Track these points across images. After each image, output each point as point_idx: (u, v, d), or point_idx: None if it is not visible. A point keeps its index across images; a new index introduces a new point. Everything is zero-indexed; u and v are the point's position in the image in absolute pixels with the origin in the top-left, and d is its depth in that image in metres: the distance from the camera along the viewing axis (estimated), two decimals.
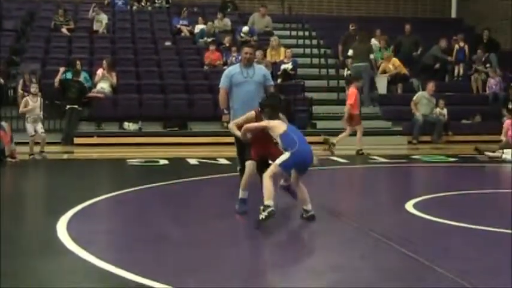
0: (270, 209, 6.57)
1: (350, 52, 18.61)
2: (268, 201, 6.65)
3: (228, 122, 10.03)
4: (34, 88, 14.11)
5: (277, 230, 6.91)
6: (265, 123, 7.27)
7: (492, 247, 6.13)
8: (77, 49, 19.65)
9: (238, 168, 10.04)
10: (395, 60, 19.42)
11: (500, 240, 6.37)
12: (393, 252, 5.83)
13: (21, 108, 14.01)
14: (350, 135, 16.78)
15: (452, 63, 20.21)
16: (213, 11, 22.03)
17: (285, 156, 6.82)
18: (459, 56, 20.28)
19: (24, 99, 14.19)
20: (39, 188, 10.81)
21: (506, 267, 5.32)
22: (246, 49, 9.73)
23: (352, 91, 14.97)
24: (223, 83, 9.73)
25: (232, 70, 9.85)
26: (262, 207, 6.64)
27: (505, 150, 13.70)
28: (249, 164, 7.70)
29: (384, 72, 19.39)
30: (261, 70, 9.95)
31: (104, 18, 20.65)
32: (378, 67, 19.49)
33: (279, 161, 6.84)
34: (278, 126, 7.07)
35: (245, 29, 20.51)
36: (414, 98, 17.36)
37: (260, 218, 6.58)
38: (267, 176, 6.79)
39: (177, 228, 6.94)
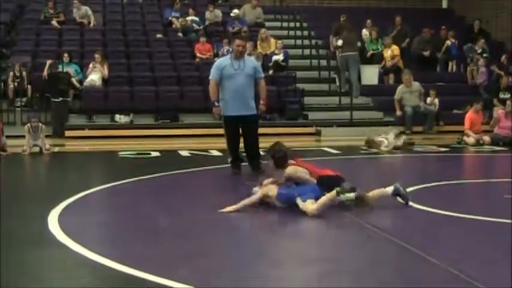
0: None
1: (340, 42, 18.60)
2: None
3: (219, 114, 9.99)
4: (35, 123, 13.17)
5: (269, 220, 6.91)
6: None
7: (485, 236, 6.15)
8: (67, 42, 19.57)
9: (229, 160, 10.03)
10: (396, 48, 19.38)
11: (492, 230, 6.39)
12: (385, 242, 5.83)
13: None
14: (338, 125, 16.78)
15: (444, 58, 20.24)
16: (204, 3, 21.97)
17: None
18: (452, 51, 20.28)
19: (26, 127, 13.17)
20: (30, 180, 10.78)
21: (499, 256, 5.33)
22: (238, 41, 9.66)
23: (467, 116, 14.98)
24: (213, 75, 9.67)
25: (223, 62, 9.79)
26: None
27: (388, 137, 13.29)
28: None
29: (382, 57, 19.40)
30: (251, 62, 9.88)
31: (87, 9, 20.53)
32: (367, 57, 19.54)
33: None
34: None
35: (235, 11, 20.47)
36: (396, 95, 17.28)
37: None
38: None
39: (168, 219, 6.93)
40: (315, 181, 7.16)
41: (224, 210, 6.96)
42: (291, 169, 7.29)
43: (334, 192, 6.71)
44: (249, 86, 9.66)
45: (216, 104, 9.72)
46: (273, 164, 7.43)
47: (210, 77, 9.75)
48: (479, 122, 14.94)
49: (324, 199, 6.79)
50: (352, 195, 6.77)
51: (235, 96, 9.57)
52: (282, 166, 7.37)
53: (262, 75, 10.02)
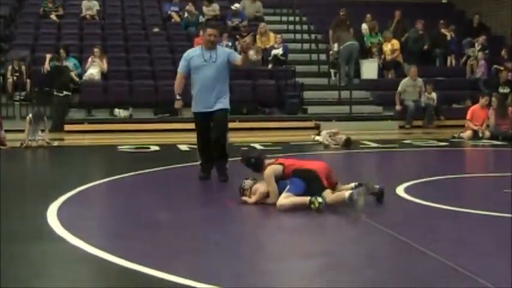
0: None
1: (335, 46, 18.65)
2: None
3: (180, 109, 9.41)
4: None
5: (267, 215, 6.91)
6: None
7: (482, 230, 6.15)
8: (66, 35, 19.54)
9: (198, 162, 9.55)
10: (396, 43, 19.37)
11: (490, 224, 6.40)
12: (383, 236, 5.84)
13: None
14: (337, 120, 16.74)
15: (444, 53, 20.23)
16: None
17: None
18: (452, 46, 20.28)
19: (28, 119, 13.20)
20: (30, 174, 10.76)
21: (496, 249, 5.35)
22: (210, 31, 8.88)
23: (470, 108, 15.17)
24: (180, 67, 9.03)
25: (192, 53, 9.07)
26: None
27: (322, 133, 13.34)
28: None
29: (381, 51, 19.39)
30: (224, 52, 9.08)
31: (95, 4, 20.52)
32: (367, 52, 19.54)
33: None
34: None
35: (236, 5, 20.41)
36: (399, 88, 17.31)
37: None
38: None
39: (167, 214, 6.93)
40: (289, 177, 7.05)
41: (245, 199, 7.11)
42: (267, 171, 7.12)
43: (306, 199, 6.68)
44: (219, 80, 8.80)
45: (178, 97, 9.17)
46: (252, 171, 7.33)
47: (178, 69, 9.08)
48: (481, 116, 14.90)
49: (295, 200, 6.77)
50: (321, 200, 6.67)
51: (202, 90, 8.84)
52: (260, 169, 7.26)
53: (238, 56, 9.06)
